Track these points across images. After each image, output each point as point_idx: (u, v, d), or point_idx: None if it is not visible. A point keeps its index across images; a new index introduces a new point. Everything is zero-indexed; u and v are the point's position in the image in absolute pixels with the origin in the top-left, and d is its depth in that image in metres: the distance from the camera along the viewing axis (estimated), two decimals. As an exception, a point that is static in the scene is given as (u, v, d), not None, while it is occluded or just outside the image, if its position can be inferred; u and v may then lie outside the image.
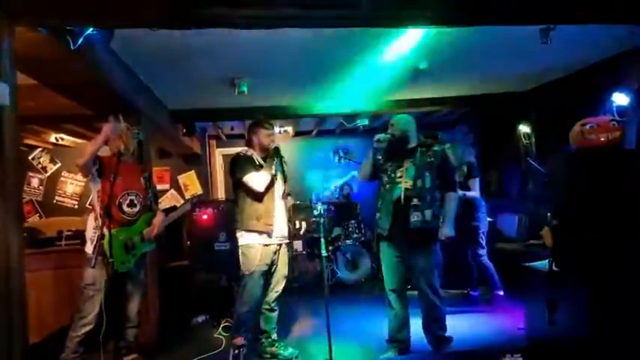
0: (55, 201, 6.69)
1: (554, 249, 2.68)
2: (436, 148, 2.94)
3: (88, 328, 2.68)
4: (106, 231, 2.70)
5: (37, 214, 6.58)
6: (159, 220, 3.07)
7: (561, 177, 2.65)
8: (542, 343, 2.75)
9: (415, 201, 2.79)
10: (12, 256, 1.75)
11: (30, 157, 6.60)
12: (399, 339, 2.99)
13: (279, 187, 3.17)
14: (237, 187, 3.13)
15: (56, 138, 5.80)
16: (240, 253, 3.11)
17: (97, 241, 2.71)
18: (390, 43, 3.22)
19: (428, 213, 2.80)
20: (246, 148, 3.24)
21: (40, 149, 6.63)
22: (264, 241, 3.06)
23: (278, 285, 3.21)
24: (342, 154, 6.93)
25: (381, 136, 2.92)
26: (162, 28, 2.23)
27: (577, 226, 2.49)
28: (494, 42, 3.37)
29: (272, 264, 3.14)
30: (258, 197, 3.06)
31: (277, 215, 3.11)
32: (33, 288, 3.24)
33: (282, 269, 3.22)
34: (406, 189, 2.81)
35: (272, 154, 3.14)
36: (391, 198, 2.88)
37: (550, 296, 2.60)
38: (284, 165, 3.21)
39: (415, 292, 3.00)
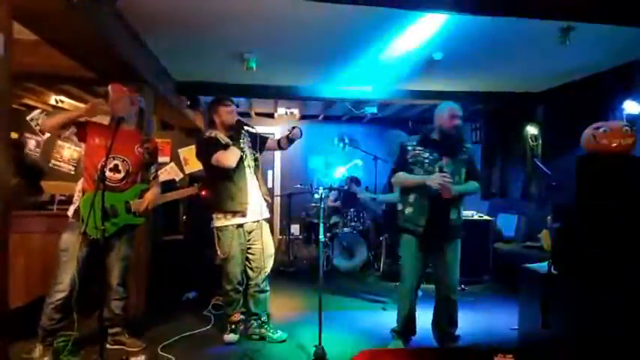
0: (51, 164, 6.60)
1: (554, 251, 2.63)
2: (469, 145, 2.94)
3: (61, 295, 2.60)
4: (83, 193, 2.67)
5: (33, 177, 6.48)
6: (152, 194, 2.92)
7: (570, 180, 2.57)
8: (535, 344, 2.72)
9: (455, 197, 2.71)
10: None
11: (28, 118, 6.48)
12: (404, 329, 2.95)
13: (249, 162, 3.12)
14: (208, 170, 3.07)
15: (56, 100, 5.67)
16: (215, 237, 3.09)
17: (77, 205, 2.67)
18: (406, 28, 3.09)
19: (461, 209, 2.85)
20: (209, 130, 3.16)
21: (39, 110, 6.50)
22: (239, 221, 3.05)
23: (265, 265, 3.16)
24: (347, 141, 6.83)
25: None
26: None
27: (581, 230, 2.43)
28: (512, 39, 3.29)
29: (251, 243, 3.12)
30: (230, 176, 3.00)
31: (251, 192, 3.08)
32: (21, 250, 3.20)
33: (266, 248, 3.16)
34: (445, 183, 2.68)
35: (237, 130, 3.06)
36: (428, 193, 2.72)
37: (546, 298, 2.56)
38: (255, 138, 3.15)
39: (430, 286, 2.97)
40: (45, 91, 5.28)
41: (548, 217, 4.45)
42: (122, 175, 2.78)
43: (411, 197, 2.83)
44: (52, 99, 5.65)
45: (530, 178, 5.36)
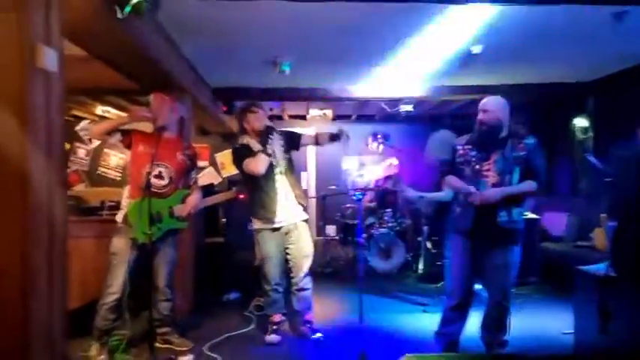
0: (99, 172, 6.93)
1: (613, 253, 2.46)
2: (529, 140, 2.65)
3: (114, 297, 2.72)
4: (130, 200, 2.78)
5: (83, 184, 6.85)
6: (193, 199, 3.02)
7: (629, 176, 2.41)
8: (592, 351, 2.57)
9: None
10: (56, 221, 1.77)
11: (77, 128, 6.84)
12: (448, 332, 2.86)
13: (280, 167, 3.15)
14: (244, 176, 3.16)
15: (102, 110, 5.98)
16: (255, 239, 3.22)
17: (125, 211, 2.79)
18: (443, 23, 3.03)
19: (515, 211, 2.61)
20: (241, 137, 3.23)
21: (87, 121, 6.85)
22: (273, 225, 3.12)
23: (303, 266, 3.19)
24: (381, 140, 6.76)
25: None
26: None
27: (641, 230, 2.27)
28: (558, 26, 3.11)
29: (289, 244, 3.17)
30: (260, 183, 3.07)
31: (282, 199, 3.12)
32: (76, 254, 3.37)
33: (303, 248, 3.19)
34: (493, 184, 2.58)
35: (266, 134, 3.08)
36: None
37: (604, 303, 2.42)
38: (288, 142, 3.19)
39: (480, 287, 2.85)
40: (92, 103, 5.58)
41: (602, 215, 4.19)
42: (166, 181, 2.88)
43: (460, 197, 2.75)
44: (99, 110, 5.96)
45: (579, 173, 5.10)
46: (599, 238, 4.18)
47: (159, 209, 2.82)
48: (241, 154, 3.10)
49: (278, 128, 3.22)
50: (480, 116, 2.66)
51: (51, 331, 1.76)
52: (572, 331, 2.87)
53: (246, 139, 3.19)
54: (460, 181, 2.71)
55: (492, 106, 2.66)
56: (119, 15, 2.08)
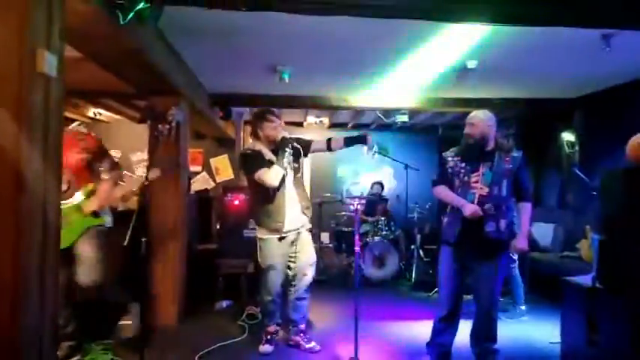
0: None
1: (600, 265, 2.51)
2: (515, 154, 2.72)
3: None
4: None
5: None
6: (101, 191, 2.81)
7: (614, 190, 2.46)
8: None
9: (490, 209, 2.61)
10: (49, 225, 1.75)
11: (66, 130, 6.76)
12: (440, 343, 2.88)
13: (290, 177, 3.11)
14: (250, 183, 3.10)
15: (94, 112, 5.92)
16: (257, 247, 3.13)
17: None
18: (439, 38, 3.07)
19: (502, 223, 2.64)
20: (253, 142, 3.15)
21: (77, 122, 6.77)
22: (278, 235, 3.05)
23: (306, 274, 3.16)
24: (376, 149, 6.79)
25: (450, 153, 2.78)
26: (221, 8, 2.17)
27: (627, 243, 2.31)
28: (550, 45, 3.22)
29: (292, 254, 3.13)
30: (268, 194, 3.00)
31: (289, 210, 3.06)
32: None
33: (306, 257, 3.16)
34: (481, 195, 2.63)
35: (280, 146, 3.03)
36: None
37: (591, 314, 2.45)
38: (298, 152, 3.13)
39: (469, 297, 2.88)
40: (84, 104, 5.52)
41: (587, 227, 4.29)
42: (65, 186, 2.67)
43: (448, 208, 2.80)
44: (91, 112, 5.90)
45: (566, 186, 5.18)
46: (585, 248, 4.27)
47: (65, 214, 2.57)
48: (253, 161, 3.02)
49: (253, 143, 3.13)
50: (467, 129, 2.72)
51: (41, 338, 1.73)
52: (559, 340, 2.91)
53: (257, 146, 3.10)
54: (451, 193, 2.75)
55: (478, 120, 2.72)
56: (121, 21, 2.07)
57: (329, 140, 3.24)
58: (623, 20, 2.52)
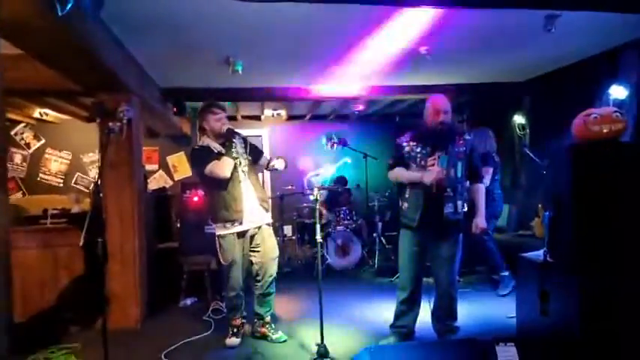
0: (39, 178, 6.52)
1: (549, 240, 2.66)
2: (467, 137, 2.85)
3: None
4: None
5: (21, 192, 6.41)
6: None
7: (561, 168, 2.61)
8: (533, 332, 2.76)
9: (448, 191, 2.71)
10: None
11: (12, 133, 6.39)
12: (403, 324, 2.98)
13: (243, 169, 3.12)
14: (203, 179, 3.08)
15: (40, 113, 5.60)
16: (217, 244, 3.10)
17: None
18: (390, 24, 3.13)
19: (459, 204, 2.77)
20: (201, 138, 3.15)
21: (23, 124, 6.42)
22: (238, 229, 3.05)
23: (269, 269, 3.17)
24: (335, 140, 6.87)
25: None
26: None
27: (575, 218, 2.47)
28: (497, 29, 3.32)
29: (254, 248, 3.14)
30: (223, 185, 3.00)
31: (246, 199, 3.07)
32: (17, 267, 3.16)
33: (269, 252, 3.17)
34: (439, 178, 2.71)
35: (228, 138, 3.05)
36: (422, 188, 2.75)
37: (543, 287, 2.61)
38: (245, 143, 3.17)
39: (429, 280, 2.97)
40: (29, 105, 5.21)
41: (539, 205, 4.54)
42: None
43: (407, 192, 2.87)
44: (37, 112, 5.59)
45: (519, 167, 5.45)
46: (538, 226, 4.51)
47: None
48: (202, 156, 3.02)
49: (201, 139, 3.17)
50: (442, 117, 2.78)
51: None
52: (515, 314, 3.06)
53: (205, 141, 3.13)
54: (407, 171, 2.83)
55: (449, 107, 2.83)
56: (59, 12, 1.97)
57: (268, 161, 3.30)
58: (566, 2, 2.64)
